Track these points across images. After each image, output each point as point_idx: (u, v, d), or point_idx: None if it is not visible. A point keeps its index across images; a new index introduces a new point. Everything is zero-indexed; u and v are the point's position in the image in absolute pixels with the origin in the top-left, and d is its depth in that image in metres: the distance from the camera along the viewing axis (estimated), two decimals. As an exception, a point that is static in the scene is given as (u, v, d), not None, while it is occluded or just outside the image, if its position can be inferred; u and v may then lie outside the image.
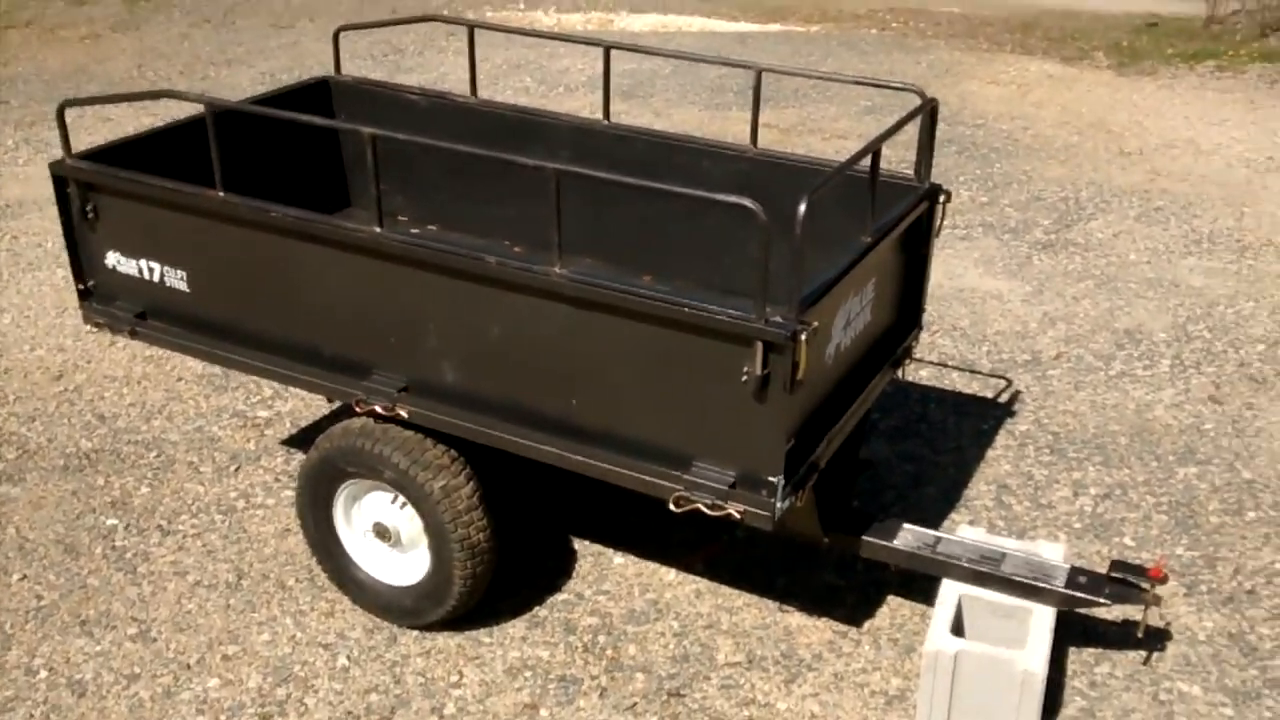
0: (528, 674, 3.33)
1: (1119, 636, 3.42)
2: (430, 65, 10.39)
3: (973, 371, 4.90)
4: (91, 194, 3.46)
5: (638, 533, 3.88)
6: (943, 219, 3.52)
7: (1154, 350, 5.08)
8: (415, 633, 3.47)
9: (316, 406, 4.65)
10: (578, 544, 3.85)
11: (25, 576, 3.72)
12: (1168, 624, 3.47)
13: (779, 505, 2.77)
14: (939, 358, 4.99)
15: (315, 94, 4.34)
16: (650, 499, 3.56)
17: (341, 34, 4.33)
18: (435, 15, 4.46)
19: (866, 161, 2.99)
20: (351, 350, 3.23)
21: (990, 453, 4.34)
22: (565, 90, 9.64)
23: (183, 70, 9.93)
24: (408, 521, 3.37)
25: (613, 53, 3.92)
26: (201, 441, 4.44)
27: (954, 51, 11.80)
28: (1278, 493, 4.10)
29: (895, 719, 3.17)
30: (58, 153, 3.46)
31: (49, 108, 8.50)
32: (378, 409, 3.20)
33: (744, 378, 2.67)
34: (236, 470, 4.26)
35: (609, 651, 3.41)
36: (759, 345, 2.62)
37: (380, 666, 3.36)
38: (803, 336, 2.60)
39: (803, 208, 2.56)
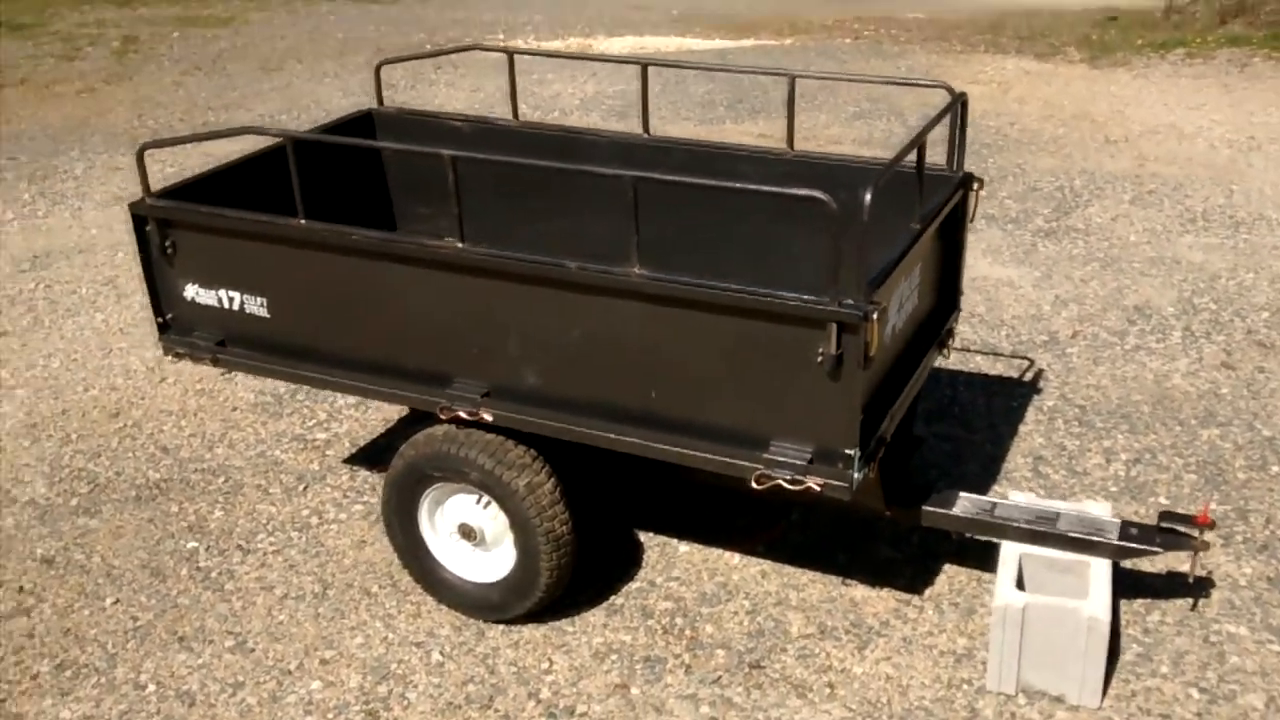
0: (614, 657, 3.52)
1: (1166, 586, 3.64)
2: (424, 98, 10.59)
3: (995, 354, 5.13)
4: (170, 230, 3.64)
5: (698, 523, 4.07)
6: (976, 205, 3.75)
7: (1164, 324, 5.32)
8: (501, 627, 3.65)
9: (372, 427, 4.84)
10: (643, 536, 4.04)
11: (118, 600, 3.88)
12: (1209, 573, 3.68)
13: (855, 476, 2.97)
14: (962, 343, 5.21)
15: (361, 125, 4.53)
16: (710, 489, 3.78)
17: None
18: (477, 45, 4.66)
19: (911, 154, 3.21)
20: (433, 361, 3.41)
21: (1022, 428, 4.56)
22: (560, 114, 9.85)
23: (182, 117, 10.11)
24: (491, 520, 3.56)
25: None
26: (266, 465, 4.61)
27: (930, 54, 12.10)
28: (1298, 447, 4.34)
29: (966, 674, 3.37)
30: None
31: (58, 161, 8.67)
32: (462, 414, 3.38)
33: (819, 358, 2.88)
34: (304, 490, 4.43)
35: (687, 631, 3.60)
36: (833, 326, 2.82)
37: (473, 659, 3.53)
38: (874, 316, 2.81)
39: (868, 197, 2.77)
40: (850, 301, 2.82)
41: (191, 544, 4.15)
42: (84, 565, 4.06)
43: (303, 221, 3.42)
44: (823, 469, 3.00)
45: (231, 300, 3.66)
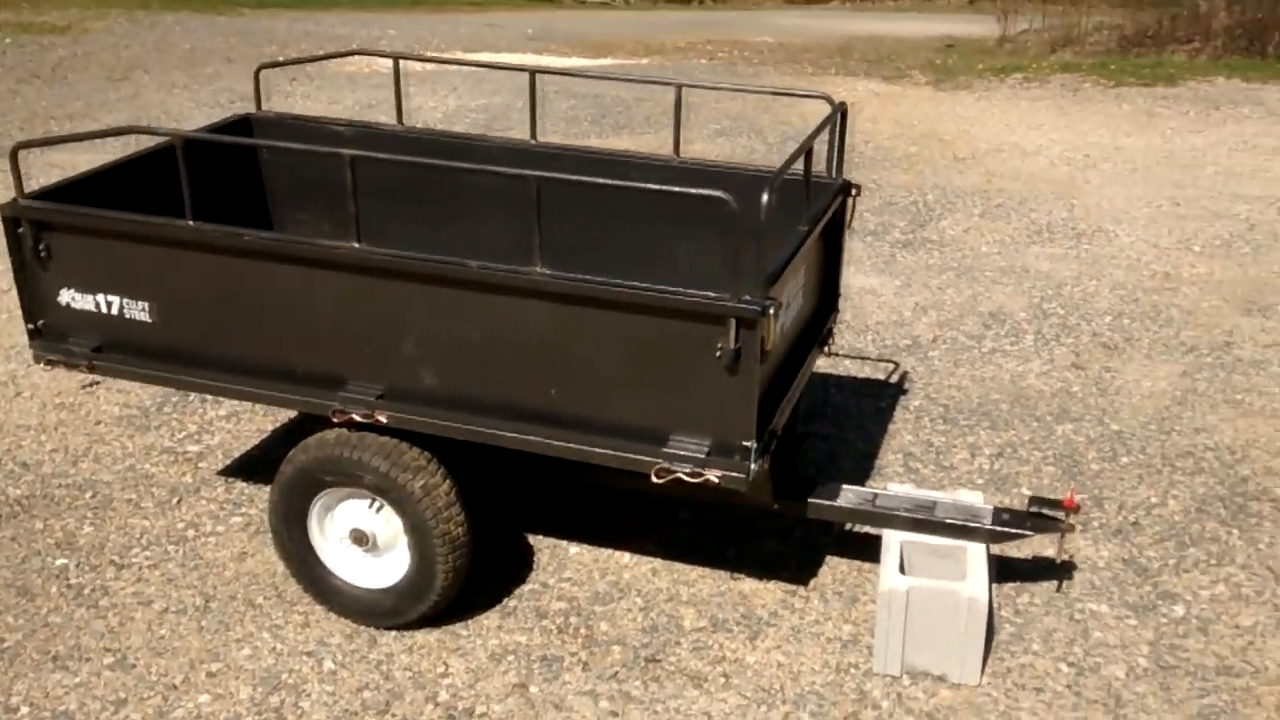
0: (510, 658, 3.53)
1: (1034, 570, 3.84)
2: (281, 109, 10.36)
3: (863, 358, 5.33)
4: (45, 233, 3.52)
5: (588, 524, 4.12)
6: (854, 211, 3.91)
7: (1017, 328, 5.61)
8: (394, 633, 3.62)
9: (245, 438, 4.74)
10: (533, 538, 4.07)
11: (-16, 621, 3.72)
12: (1070, 557, 3.91)
13: (753, 467, 3.07)
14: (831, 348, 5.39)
15: (239, 130, 4.45)
16: (604, 489, 3.84)
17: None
18: (360, 50, 4.63)
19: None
20: (326, 364, 3.38)
21: (892, 426, 4.75)
22: (424, 126, 9.79)
23: (22, 126, 9.68)
24: (384, 525, 3.54)
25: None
26: (136, 479, 4.47)
27: (784, 76, 12.46)
28: (1143, 439, 4.63)
29: (853, 658, 3.50)
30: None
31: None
32: (356, 417, 3.36)
33: (718, 353, 2.97)
34: (179, 503, 4.31)
35: (582, 630, 3.64)
36: (732, 322, 2.92)
37: (366, 666, 3.50)
38: (770, 311, 2.92)
39: (766, 197, 2.88)
40: (748, 298, 2.92)
41: (60, 561, 4.00)
42: (-57, 586, 3.87)
43: (191, 223, 3.35)
44: (721, 461, 3.09)
45: (110, 305, 3.55)
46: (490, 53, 13.91)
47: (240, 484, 4.42)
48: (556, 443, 3.23)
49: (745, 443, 3.06)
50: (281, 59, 4.73)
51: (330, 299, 3.30)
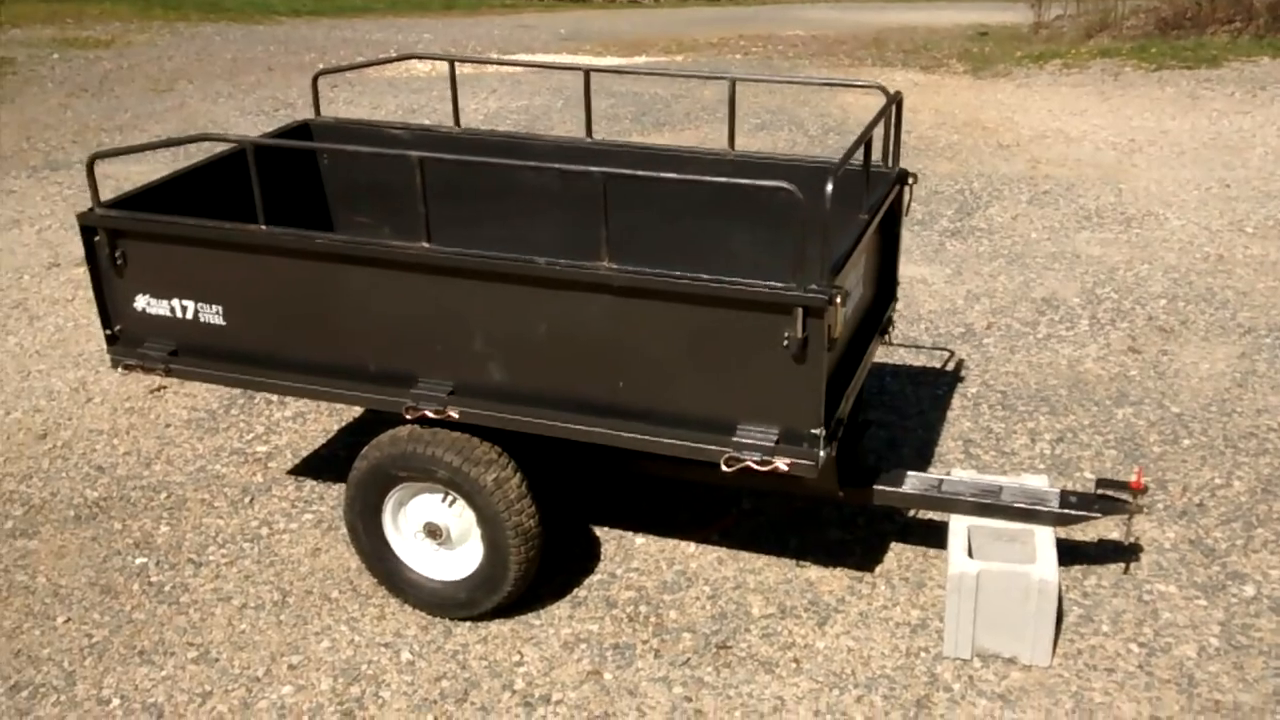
0: (583, 646, 3.59)
1: (1100, 553, 3.86)
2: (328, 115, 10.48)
3: (917, 346, 5.35)
4: (120, 240, 3.62)
5: (651, 516, 4.17)
6: (910, 200, 3.94)
7: (1071, 313, 5.61)
8: (468, 624, 3.69)
9: (312, 438, 4.83)
10: (599, 530, 4.13)
11: (69, 619, 3.81)
12: (1136, 539, 3.92)
13: (821, 454, 3.11)
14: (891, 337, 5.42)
15: (299, 136, 4.54)
16: (666, 481, 3.89)
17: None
18: (413, 54, 4.70)
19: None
20: (397, 362, 3.45)
21: (950, 414, 4.77)
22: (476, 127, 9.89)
23: (74, 139, 9.87)
24: (456, 518, 3.61)
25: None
26: (207, 480, 4.57)
27: (820, 68, 12.45)
28: (1204, 421, 4.62)
29: (922, 642, 3.53)
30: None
31: (-51, 184, 8.40)
32: (429, 413, 3.43)
33: (785, 342, 3.01)
34: (250, 502, 4.41)
35: (652, 618, 3.70)
36: (799, 311, 2.96)
37: (443, 656, 3.57)
38: (837, 299, 2.96)
39: (829, 187, 2.92)
40: (814, 287, 2.96)
41: (140, 560, 4.10)
42: (28, 586, 3.98)
43: (264, 227, 3.43)
44: (789, 449, 3.13)
45: (185, 309, 3.65)
46: (526, 54, 14.01)
47: (310, 482, 4.50)
48: (625, 434, 3.29)
49: (814, 430, 3.10)
50: (336, 65, 4.81)
51: (400, 298, 3.37)
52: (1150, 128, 8.73)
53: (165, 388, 5.30)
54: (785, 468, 3.13)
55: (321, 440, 4.81)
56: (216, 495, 4.46)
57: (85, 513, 4.38)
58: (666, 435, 3.25)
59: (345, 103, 11.13)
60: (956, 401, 4.86)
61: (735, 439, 3.17)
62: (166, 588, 3.95)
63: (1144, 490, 3.49)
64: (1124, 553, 3.81)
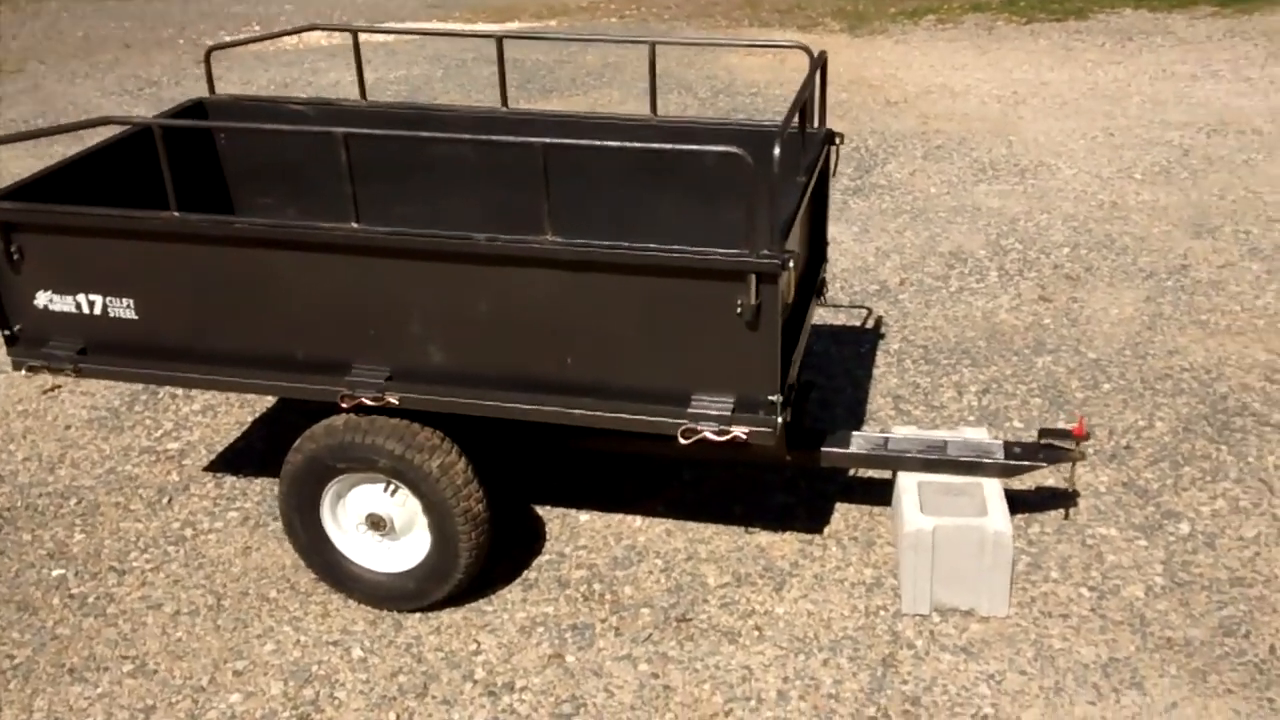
0: (540, 629, 3.51)
1: (1039, 500, 3.92)
2: (196, 92, 10.02)
3: (835, 306, 5.37)
4: (15, 234, 3.37)
5: (593, 492, 4.10)
6: (837, 160, 3.91)
7: (980, 266, 5.70)
8: (418, 615, 3.58)
9: (225, 431, 4.62)
10: (541, 510, 4.04)
11: (-14, 640, 3.59)
12: (1072, 486, 3.99)
13: (779, 420, 3.08)
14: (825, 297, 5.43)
15: (194, 115, 4.30)
16: (606, 456, 3.83)
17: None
18: (315, 25, 4.48)
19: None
20: (328, 349, 3.30)
21: (875, 371, 4.80)
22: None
23: (-76, 127, 9.26)
24: (399, 508, 3.48)
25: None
26: (119, 482, 4.33)
27: (699, 30, 12.39)
28: (1120, 365, 4.74)
29: (879, 601, 3.54)
30: None
31: None
32: (366, 401, 3.29)
33: (738, 310, 2.96)
34: (169, 503, 4.20)
35: (608, 596, 3.63)
36: (752, 278, 2.91)
37: (396, 650, 3.45)
38: (790, 264, 2.91)
39: (777, 150, 2.87)
40: (766, 252, 2.91)
41: (57, 571, 3.87)
42: (-65, 608, 3.73)
43: (177, 214, 3.24)
44: (747, 417, 3.09)
45: (93, 304, 3.42)
46: (395, 22, 13.63)
47: (230, 479, 4.31)
48: (575, 411, 3.20)
49: (771, 397, 3.06)
50: (231, 40, 4.57)
51: (329, 282, 3.22)
52: (1030, 80, 8.92)
53: (59, 387, 5.01)
54: (744, 436, 3.09)
55: (236, 433, 4.60)
56: (131, 498, 4.23)
57: (-12, 525, 4.12)
58: (619, 410, 3.18)
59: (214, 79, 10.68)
60: (880, 359, 4.89)
61: (691, 410, 3.11)
62: (90, 599, 3.73)
63: (1086, 437, 3.55)
64: (1063, 499, 3.89)
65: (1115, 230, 6.00)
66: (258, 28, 13.79)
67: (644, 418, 3.16)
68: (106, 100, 9.95)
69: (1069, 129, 7.62)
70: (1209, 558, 3.66)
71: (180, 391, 4.91)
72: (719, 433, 3.10)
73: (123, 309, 3.41)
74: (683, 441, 3.12)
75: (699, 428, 3.10)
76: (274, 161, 4.35)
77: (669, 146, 3.06)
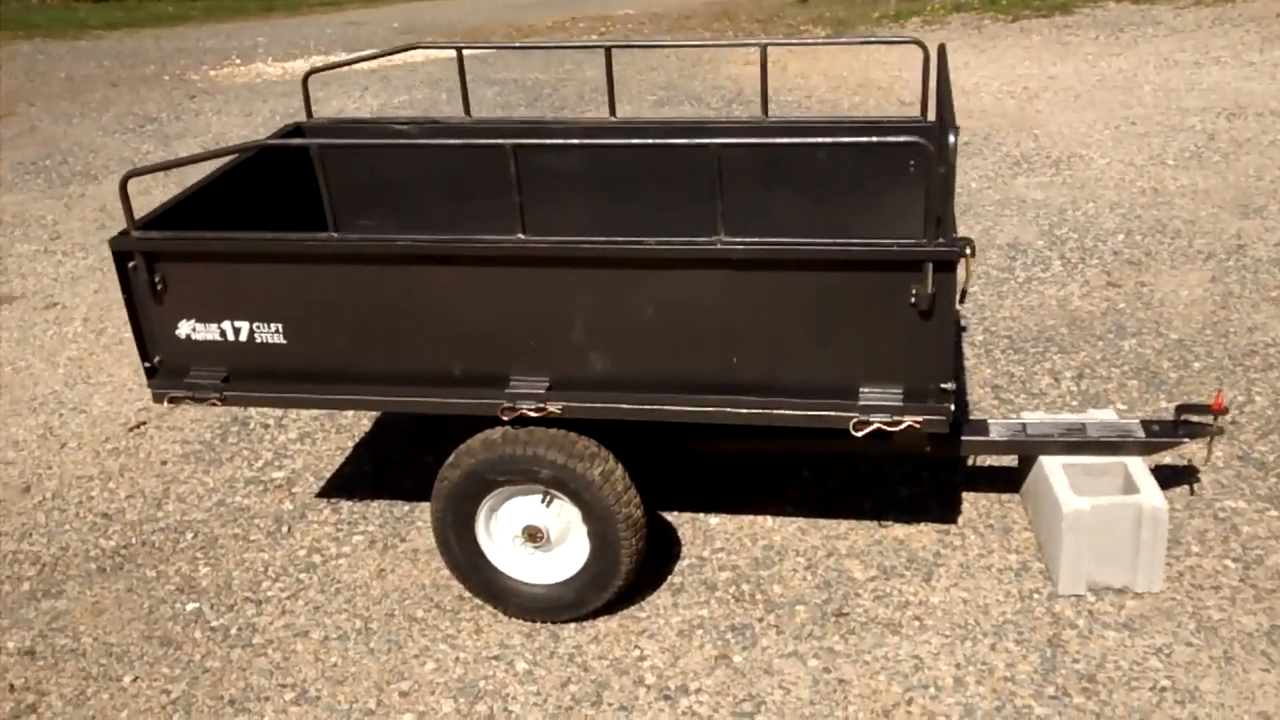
0: (700, 632, 3.52)
1: (1162, 479, 3.98)
2: (199, 128, 10.00)
3: (909, 301, 5.42)
4: (159, 264, 3.35)
5: (714, 497, 4.11)
6: (955, 155, 3.97)
7: (1041, 256, 5.79)
8: (573, 626, 3.57)
9: (329, 458, 4.59)
10: (670, 516, 4.05)
11: (137, 678, 3.53)
12: (1189, 461, 4.07)
13: (951, 408, 3.12)
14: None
15: (293, 137, 4.28)
16: (709, 461, 3.84)
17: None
18: (417, 45, 4.48)
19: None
20: (486, 362, 3.30)
21: (967, 363, 4.86)
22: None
23: (-73, 174, 9.11)
24: (555, 518, 3.49)
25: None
26: (231, 513, 4.29)
27: (689, 40, 12.48)
28: (1205, 345, 4.84)
29: (1031, 585, 3.59)
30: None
31: None
32: (529, 412, 3.29)
33: (913, 299, 3.00)
34: (289, 531, 4.16)
35: (759, 596, 3.65)
36: (929, 267, 2.95)
37: (560, 661, 3.45)
38: (967, 251, 2.96)
39: (952, 139, 2.92)
40: (943, 241, 2.96)
41: (191, 605, 3.82)
42: (74, 649, 3.67)
43: (335, 235, 3.23)
44: (919, 406, 3.12)
45: (238, 331, 3.40)
46: (369, 49, 13.61)
47: (346, 503, 4.28)
48: (743, 410, 3.22)
49: (944, 385, 3.10)
50: (327, 64, 4.56)
51: (492, 295, 3.22)
52: (1036, 74, 9.08)
53: (145, 424, 4.96)
54: (918, 425, 3.13)
55: (340, 459, 4.57)
56: (249, 528, 4.19)
57: (108, 564, 4.06)
58: (789, 407, 3.20)
59: (213, 111, 10.62)
60: (969, 351, 4.95)
61: (861, 402, 3.14)
62: (232, 630, 3.69)
63: (1225, 411, 3.62)
64: (1185, 475, 3.96)
65: (1164, 215, 6.12)
66: (238, 60, 13.74)
67: (814, 413, 3.19)
68: (110, 139, 9.85)
69: (1090, 120, 7.77)
70: (1341, 523, 3.75)
71: (273, 421, 4.87)
72: (891, 423, 3.13)
73: (271, 334, 3.39)
74: (855, 434, 3.15)
75: (870, 419, 3.14)
76: (374, 183, 4.34)
77: (850, 140, 3.09)
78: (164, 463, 4.66)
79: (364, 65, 12.38)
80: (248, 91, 11.58)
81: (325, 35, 15.50)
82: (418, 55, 12.87)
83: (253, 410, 4.95)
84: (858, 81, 9.47)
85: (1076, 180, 6.71)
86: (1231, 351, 4.76)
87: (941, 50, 3.84)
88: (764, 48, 4.08)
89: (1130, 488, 3.52)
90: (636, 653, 3.46)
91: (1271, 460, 4.06)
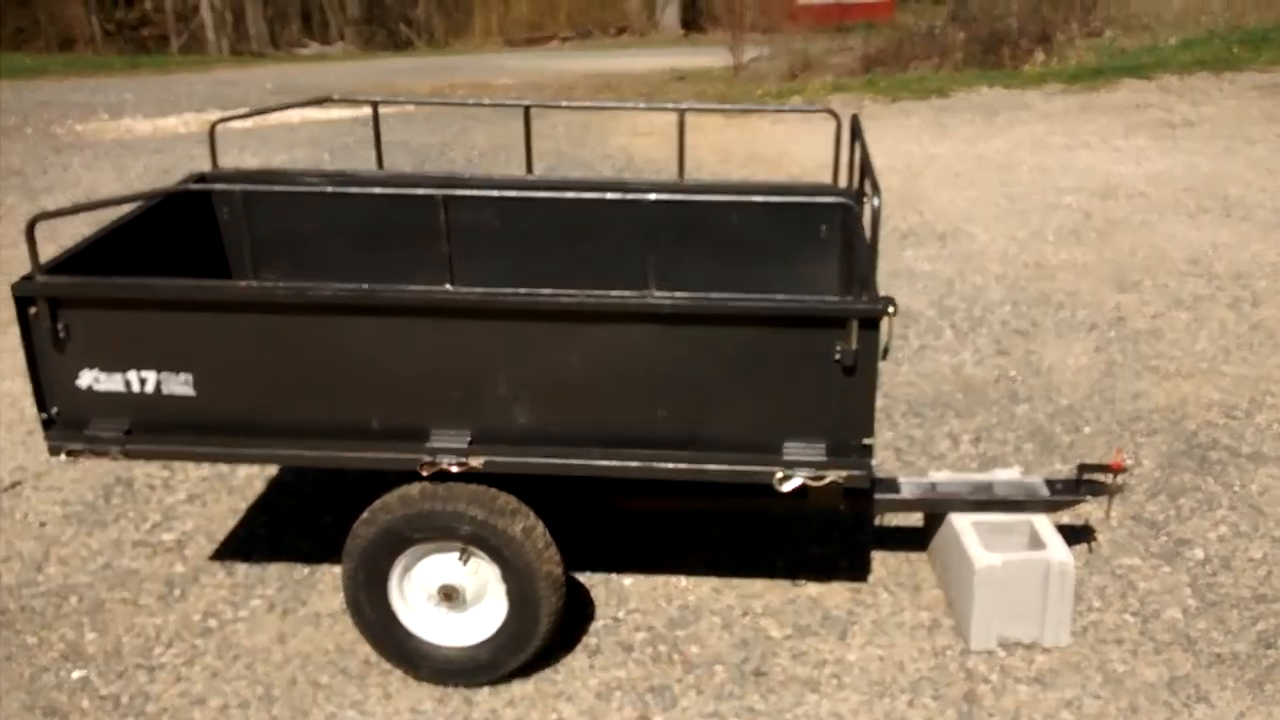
0: (618, 694, 3.46)
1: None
2: (68, 181, 9.68)
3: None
4: (62, 310, 3.20)
5: (623, 556, 4.08)
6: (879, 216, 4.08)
7: (933, 325, 5.96)
8: (487, 690, 3.48)
9: (221, 520, 4.41)
10: (581, 576, 3.99)
11: (18, 751, 3.32)
12: (1086, 521, 4.19)
13: (873, 464, 3.17)
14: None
15: (199, 191, 4.17)
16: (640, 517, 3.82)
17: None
18: (327, 98, 4.42)
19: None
20: (406, 415, 3.23)
21: (867, 426, 4.94)
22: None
23: None
24: (472, 576, 3.41)
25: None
26: (119, 576, 4.08)
27: (574, 113, 12.60)
28: (1094, 410, 5.02)
29: (943, 641, 3.64)
30: None
31: None
32: (450, 467, 3.23)
33: (837, 356, 3.05)
34: (182, 595, 3.98)
35: (676, 656, 3.62)
36: (854, 324, 3.01)
37: (475, 727, 3.35)
38: (890, 310, 3.03)
39: (877, 202, 3.00)
40: (867, 298, 3.02)
41: (78, 673, 3.61)
42: (-53, 722, 3.42)
43: (253, 283, 3.14)
44: (842, 461, 3.16)
45: (144, 381, 3.27)
46: (242, 108, 13.42)
47: (242, 566, 4.11)
48: (667, 465, 3.22)
49: (865, 440, 3.15)
50: (233, 113, 4.48)
51: (416, 346, 3.17)
52: (917, 153, 9.42)
53: (20, 483, 4.70)
54: (841, 480, 3.16)
55: (233, 520, 4.40)
56: (138, 592, 3.99)
57: (-17, 631, 3.82)
58: (712, 461, 3.21)
59: (82, 166, 10.30)
60: (869, 413, 5.04)
61: (785, 457, 3.17)
62: (124, 699, 3.50)
63: (1125, 470, 3.75)
64: (1081, 534, 4.08)
65: (1047, 288, 6.38)
66: (105, 115, 13.41)
67: (739, 467, 3.20)
68: (12, 197, 9.43)
69: (971, 197, 8.08)
70: (1229, 578, 3.90)
71: (159, 481, 4.68)
72: (815, 478, 3.16)
73: (179, 384, 3.26)
74: (780, 489, 3.17)
75: (795, 474, 3.16)
76: (279, 234, 4.24)
77: (777, 200, 3.15)
78: (43, 524, 4.42)
79: (239, 124, 12.18)
80: (118, 147, 11.28)
81: (196, 94, 15.25)
82: (294, 115, 12.72)
83: (138, 470, 4.75)
84: (745, 155, 9.69)
85: (962, 253, 6.95)
86: (1119, 417, 4.95)
87: (855, 120, 3.95)
88: (682, 113, 4.14)
89: (1037, 544, 3.61)
90: (554, 716, 3.39)
91: (1162, 519, 4.22)
